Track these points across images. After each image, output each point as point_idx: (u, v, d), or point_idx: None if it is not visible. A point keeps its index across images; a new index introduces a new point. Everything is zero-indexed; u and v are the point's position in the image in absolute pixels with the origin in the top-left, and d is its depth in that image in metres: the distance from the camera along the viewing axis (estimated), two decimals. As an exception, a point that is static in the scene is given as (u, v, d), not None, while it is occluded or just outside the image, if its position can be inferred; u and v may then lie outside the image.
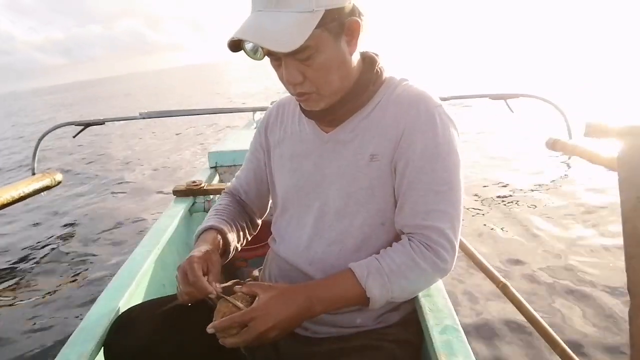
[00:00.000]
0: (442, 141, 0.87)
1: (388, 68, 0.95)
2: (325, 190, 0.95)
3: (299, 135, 1.01)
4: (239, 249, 1.12)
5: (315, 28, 0.77)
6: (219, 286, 0.86)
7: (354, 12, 0.82)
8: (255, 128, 3.75)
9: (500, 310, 2.10)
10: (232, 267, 1.96)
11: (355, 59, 0.89)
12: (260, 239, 2.10)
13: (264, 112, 1.31)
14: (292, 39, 0.76)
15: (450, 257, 0.87)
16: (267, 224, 1.18)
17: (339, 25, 0.81)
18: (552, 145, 4.45)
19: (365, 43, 0.90)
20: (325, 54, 0.82)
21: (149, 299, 1.36)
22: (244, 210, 1.17)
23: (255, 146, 1.14)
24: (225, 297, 0.83)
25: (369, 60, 0.93)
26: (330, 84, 0.86)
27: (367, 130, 0.91)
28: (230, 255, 1.07)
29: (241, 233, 1.13)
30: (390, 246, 0.91)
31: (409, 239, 0.89)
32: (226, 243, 1.04)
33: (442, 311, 0.98)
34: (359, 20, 0.82)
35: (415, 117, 0.87)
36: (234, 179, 1.21)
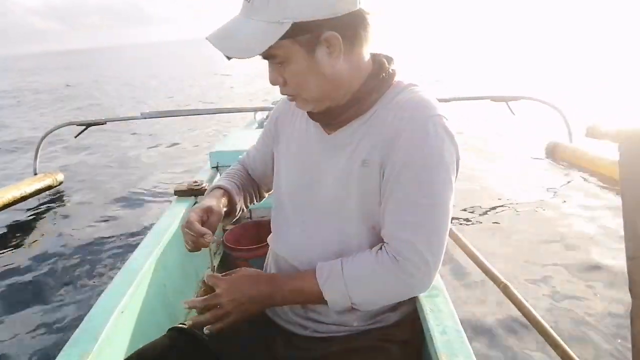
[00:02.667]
0: (431, 152, 0.83)
1: (400, 71, 0.94)
2: (322, 191, 0.95)
3: (305, 134, 1.01)
4: (245, 210, 1.17)
5: (285, 39, 0.79)
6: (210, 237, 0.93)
7: (339, 25, 0.81)
8: (256, 128, 3.76)
9: (501, 310, 2.10)
10: (233, 266, 1.96)
11: (354, 66, 0.88)
12: (260, 239, 2.10)
13: (265, 111, 1.32)
14: (251, 47, 0.79)
15: (420, 273, 0.84)
16: (267, 224, 1.18)
17: (313, 38, 0.81)
18: (552, 149, 4.45)
19: (377, 45, 0.90)
20: (297, 65, 0.84)
21: (150, 299, 1.37)
22: (253, 180, 1.21)
23: (266, 131, 1.15)
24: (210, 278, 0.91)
25: (377, 65, 0.92)
26: (308, 91, 0.88)
27: (364, 135, 0.90)
28: (238, 214, 1.12)
29: (248, 197, 1.18)
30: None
31: (381, 247, 0.88)
32: (232, 202, 1.09)
33: (443, 312, 0.98)
34: (337, 35, 0.81)
35: (407, 123, 0.85)
36: (245, 153, 1.25)
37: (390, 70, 0.92)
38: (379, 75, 0.91)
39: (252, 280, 0.92)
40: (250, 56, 0.80)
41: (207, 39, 0.82)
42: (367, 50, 0.90)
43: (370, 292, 0.87)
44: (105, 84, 18.45)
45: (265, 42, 0.79)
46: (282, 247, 1.03)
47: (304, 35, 0.80)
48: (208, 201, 1.02)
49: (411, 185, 0.84)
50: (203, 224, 0.96)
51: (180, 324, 1.01)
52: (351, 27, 0.83)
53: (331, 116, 0.92)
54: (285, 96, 0.95)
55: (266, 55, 0.84)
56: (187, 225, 0.93)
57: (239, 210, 1.12)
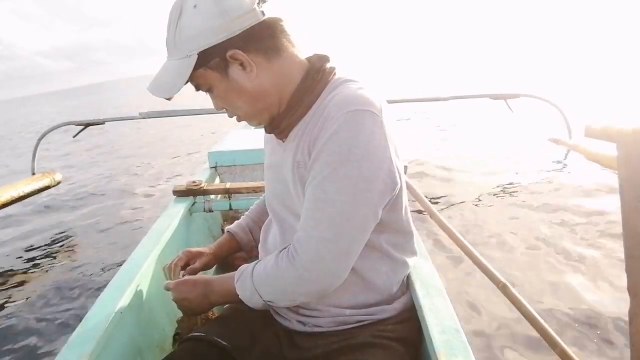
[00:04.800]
0: (340, 148, 0.81)
1: (340, 68, 0.94)
2: (290, 199, 0.97)
3: (272, 146, 1.04)
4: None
5: (199, 68, 0.86)
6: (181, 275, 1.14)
7: (242, 41, 0.84)
8: (255, 128, 3.76)
9: (500, 310, 2.10)
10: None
11: (277, 74, 0.89)
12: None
13: None
14: (172, 84, 0.86)
15: (315, 268, 0.84)
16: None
17: (221, 60, 0.86)
18: (554, 145, 4.47)
19: (306, 46, 0.93)
20: (219, 88, 0.90)
21: (149, 298, 1.37)
22: None
23: None
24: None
25: (310, 67, 0.93)
26: (239, 109, 0.93)
27: (301, 137, 0.91)
28: (254, 243, 1.25)
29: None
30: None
31: (286, 247, 0.90)
32: (240, 244, 1.26)
33: (442, 311, 0.98)
34: (239, 52, 0.85)
35: (325, 120, 0.84)
36: None
37: (327, 68, 0.92)
38: (310, 77, 0.91)
39: (190, 283, 1.04)
40: (174, 93, 0.87)
41: (147, 88, 0.90)
42: (293, 54, 0.91)
43: (274, 290, 0.90)
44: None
45: (182, 77, 0.86)
46: (263, 252, 1.08)
47: (212, 60, 0.86)
48: (206, 248, 1.23)
49: (316, 181, 0.84)
50: (186, 266, 1.18)
51: (196, 332, 1.01)
52: (257, 39, 0.86)
53: (276, 125, 0.95)
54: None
55: (195, 87, 0.91)
56: (168, 265, 1.17)
57: (256, 240, 1.23)
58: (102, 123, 4.48)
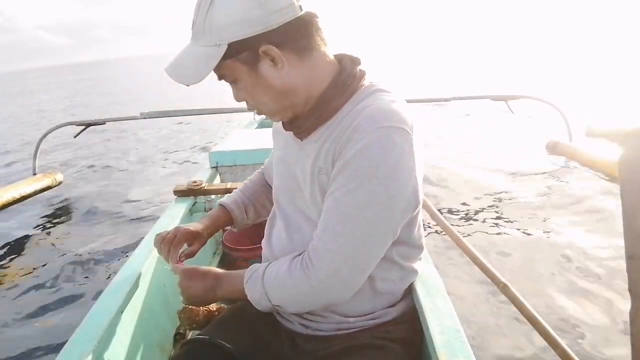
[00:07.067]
0: (370, 163, 0.79)
1: (370, 73, 0.92)
2: (301, 197, 0.96)
3: (286, 140, 1.01)
4: (255, 219, 1.26)
5: (227, 59, 0.82)
6: (180, 263, 1.10)
7: (277, 36, 0.81)
8: (256, 128, 3.76)
9: (501, 310, 2.10)
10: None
11: (307, 73, 0.86)
12: (260, 240, 2.10)
13: None
14: (196, 72, 0.82)
15: (330, 281, 0.83)
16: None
17: (252, 54, 0.82)
18: (553, 147, 4.46)
19: (335, 46, 0.90)
20: (245, 82, 0.86)
21: (149, 299, 1.37)
22: (270, 187, 1.22)
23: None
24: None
25: (340, 69, 0.90)
26: (264, 105, 0.90)
27: (325, 142, 0.89)
28: (249, 221, 1.24)
29: (260, 206, 1.24)
30: None
31: (300, 253, 0.89)
32: (232, 219, 1.22)
33: (442, 311, 0.98)
34: (273, 47, 0.81)
35: (354, 132, 0.82)
36: (267, 159, 1.28)
37: (357, 71, 0.90)
38: (341, 80, 0.89)
39: (199, 273, 1.01)
40: (197, 81, 0.83)
41: (165, 70, 0.86)
42: (324, 53, 0.88)
43: (285, 296, 0.89)
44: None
45: (208, 66, 0.82)
46: (267, 249, 1.06)
47: (242, 53, 0.82)
48: (200, 225, 1.17)
49: (339, 193, 0.83)
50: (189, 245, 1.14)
51: (199, 335, 1.00)
52: (293, 35, 0.83)
53: (297, 124, 0.92)
54: None
55: (218, 77, 0.88)
56: (164, 242, 1.10)
57: (245, 220, 1.23)
58: (103, 123, 4.49)
